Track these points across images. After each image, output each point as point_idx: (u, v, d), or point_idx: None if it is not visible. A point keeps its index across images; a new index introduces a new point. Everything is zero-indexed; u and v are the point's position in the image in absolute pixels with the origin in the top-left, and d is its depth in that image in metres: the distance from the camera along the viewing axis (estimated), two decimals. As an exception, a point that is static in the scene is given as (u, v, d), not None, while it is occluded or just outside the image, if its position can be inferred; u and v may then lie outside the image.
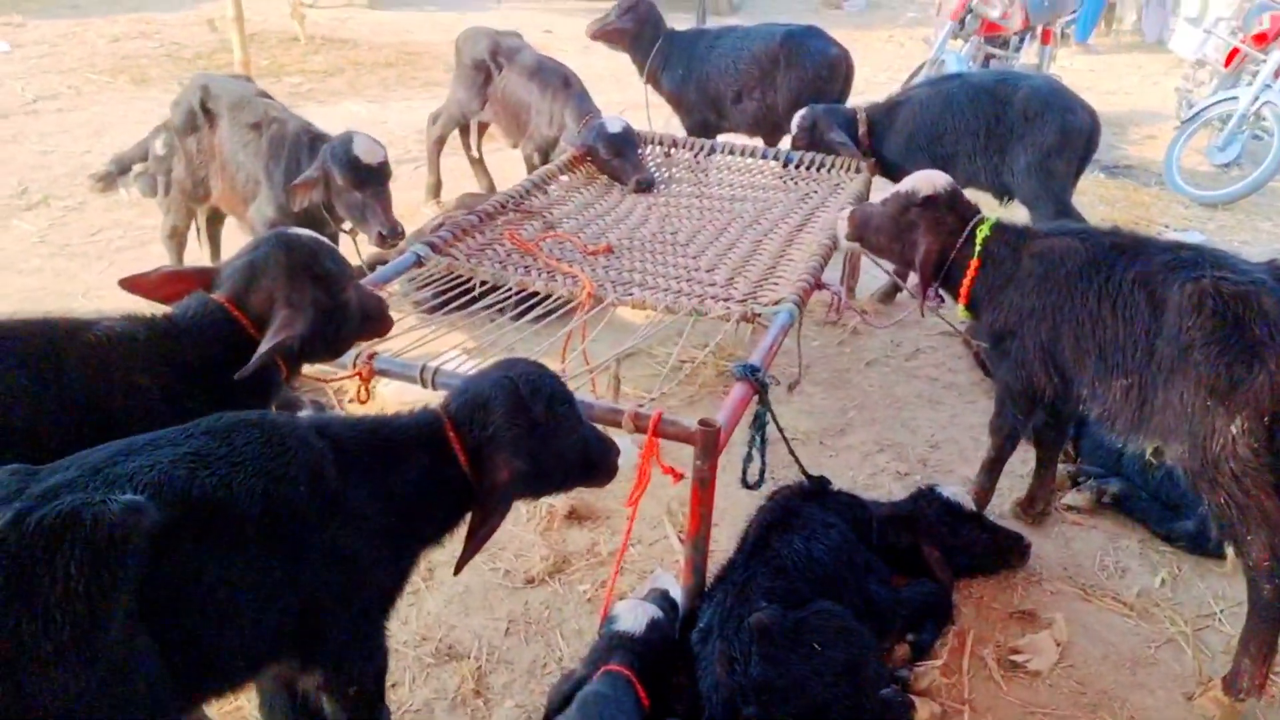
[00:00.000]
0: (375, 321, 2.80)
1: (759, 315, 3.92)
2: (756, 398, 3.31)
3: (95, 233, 6.56)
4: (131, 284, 2.65)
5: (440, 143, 7.05)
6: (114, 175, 7.29)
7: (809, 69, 6.29)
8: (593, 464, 2.56)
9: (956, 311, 3.96)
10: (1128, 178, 8.82)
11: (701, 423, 2.99)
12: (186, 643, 1.86)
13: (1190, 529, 3.93)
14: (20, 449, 2.18)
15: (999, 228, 3.75)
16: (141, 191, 7.06)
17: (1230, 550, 3.52)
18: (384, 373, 3.34)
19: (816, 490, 3.58)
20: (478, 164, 7.27)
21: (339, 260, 2.68)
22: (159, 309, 2.59)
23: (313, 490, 2.05)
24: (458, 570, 2.38)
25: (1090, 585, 3.77)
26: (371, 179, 4.16)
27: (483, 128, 7.21)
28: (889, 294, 6.04)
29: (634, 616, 3.06)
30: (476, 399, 2.34)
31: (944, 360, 5.51)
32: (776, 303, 3.96)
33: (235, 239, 5.82)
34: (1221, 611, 3.67)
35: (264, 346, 2.39)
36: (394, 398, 4.09)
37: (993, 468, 3.99)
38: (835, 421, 4.84)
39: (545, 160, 6.33)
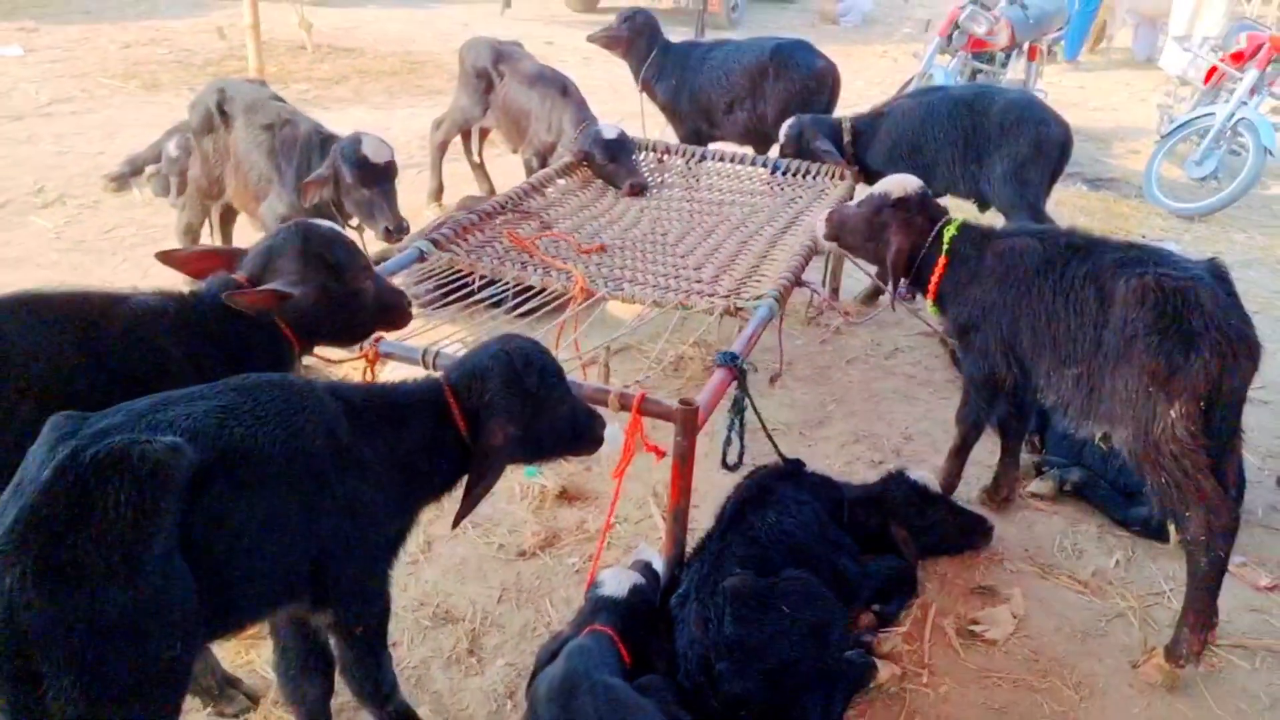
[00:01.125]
0: (394, 312, 3.03)
1: (741, 309, 4.17)
2: (736, 383, 3.56)
3: (109, 230, 6.81)
4: (167, 258, 2.93)
5: (443, 148, 7.31)
6: (127, 175, 7.61)
7: (797, 80, 6.56)
8: (579, 434, 2.81)
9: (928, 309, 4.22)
10: (1109, 190, 9.09)
11: (681, 402, 3.23)
12: (213, 578, 2.10)
13: (1144, 515, 4.17)
14: (63, 406, 2.43)
15: (965, 228, 4.01)
16: (154, 191, 7.37)
17: (1172, 528, 3.77)
18: (389, 356, 3.58)
19: (792, 471, 3.82)
20: (479, 168, 7.54)
21: (353, 251, 2.92)
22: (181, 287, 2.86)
23: (327, 444, 2.30)
24: (456, 524, 2.63)
25: (1048, 565, 4.02)
26: (379, 177, 4.42)
27: (484, 134, 7.48)
28: (871, 296, 6.30)
29: (617, 582, 3.30)
30: (475, 369, 2.60)
31: (921, 359, 5.77)
32: (758, 298, 4.21)
33: (246, 235, 6.09)
34: (1170, 590, 3.91)
35: (256, 289, 2.63)
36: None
37: (959, 455, 4.24)
38: (815, 414, 5.10)
39: (544, 165, 6.59)
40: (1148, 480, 3.39)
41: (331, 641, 2.62)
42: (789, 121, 6.12)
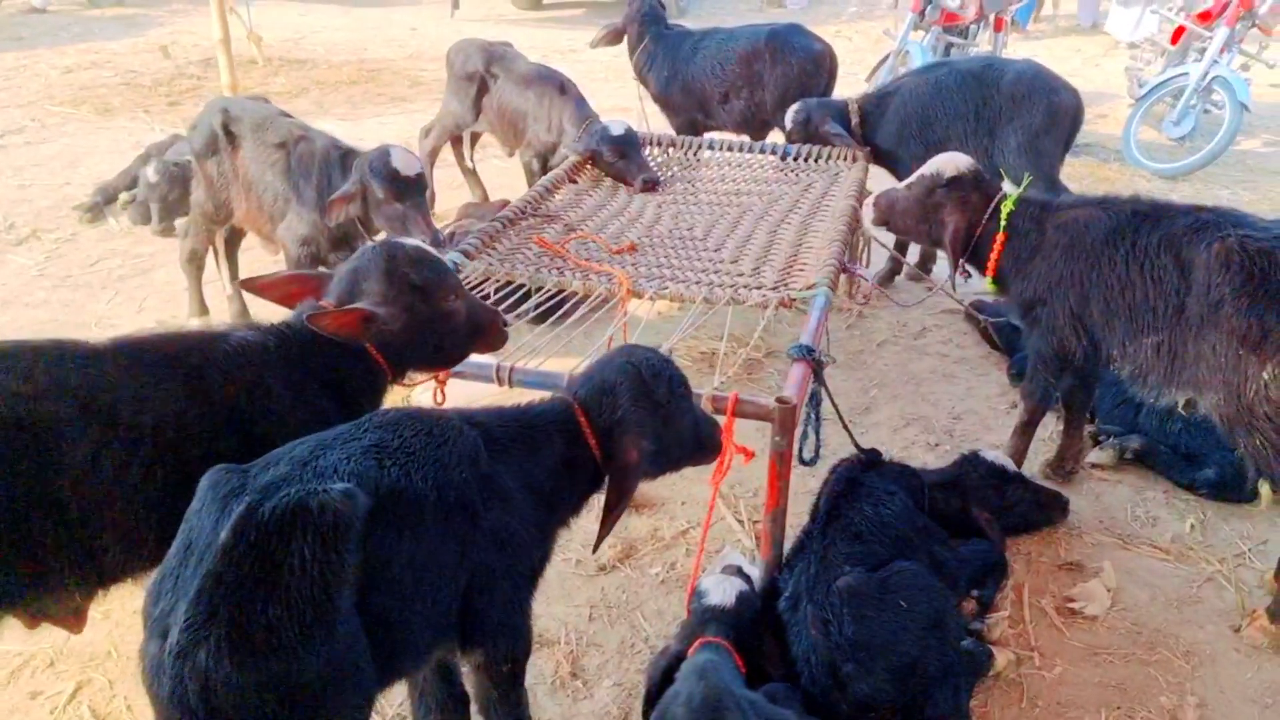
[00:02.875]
0: (489, 333, 2.88)
1: (795, 300, 4.10)
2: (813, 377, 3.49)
3: (94, 263, 6.53)
4: (250, 285, 2.77)
5: (434, 155, 7.12)
6: (100, 205, 7.32)
7: (795, 65, 6.49)
8: (702, 442, 2.71)
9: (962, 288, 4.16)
10: (1089, 155, 9.17)
11: (779, 400, 3.15)
12: (378, 628, 1.97)
13: (1211, 477, 4.19)
14: (173, 447, 2.29)
15: (1023, 202, 3.97)
16: (132, 220, 7.10)
17: (1264, 489, 3.78)
18: (459, 374, 3.44)
19: (872, 462, 3.76)
20: (471, 174, 7.37)
21: (441, 270, 2.77)
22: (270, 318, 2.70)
23: (472, 475, 2.18)
24: (596, 547, 2.51)
25: (1126, 535, 4.01)
26: (410, 190, 4.26)
27: (475, 138, 7.31)
28: (887, 278, 6.27)
29: (722, 591, 3.20)
30: (603, 385, 2.48)
31: (950, 337, 5.74)
32: (809, 287, 4.14)
33: (251, 261, 5.89)
34: (1250, 549, 3.92)
35: (339, 309, 2.50)
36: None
37: (1025, 430, 4.21)
38: (859, 400, 5.04)
39: (544, 166, 6.46)
40: (1240, 443, 3.38)
41: (471, 681, 2.48)
42: (795, 106, 6.05)
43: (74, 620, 2.47)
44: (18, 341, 2.25)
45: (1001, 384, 5.20)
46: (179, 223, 6.97)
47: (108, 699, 3.18)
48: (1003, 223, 3.95)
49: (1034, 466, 4.36)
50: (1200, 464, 4.25)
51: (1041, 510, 3.96)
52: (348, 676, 1.81)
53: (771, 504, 3.30)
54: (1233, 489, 4.16)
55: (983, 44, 10.26)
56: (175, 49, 12.92)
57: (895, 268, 6.25)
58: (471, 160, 7.39)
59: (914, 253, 6.29)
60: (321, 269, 4.59)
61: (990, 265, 4.01)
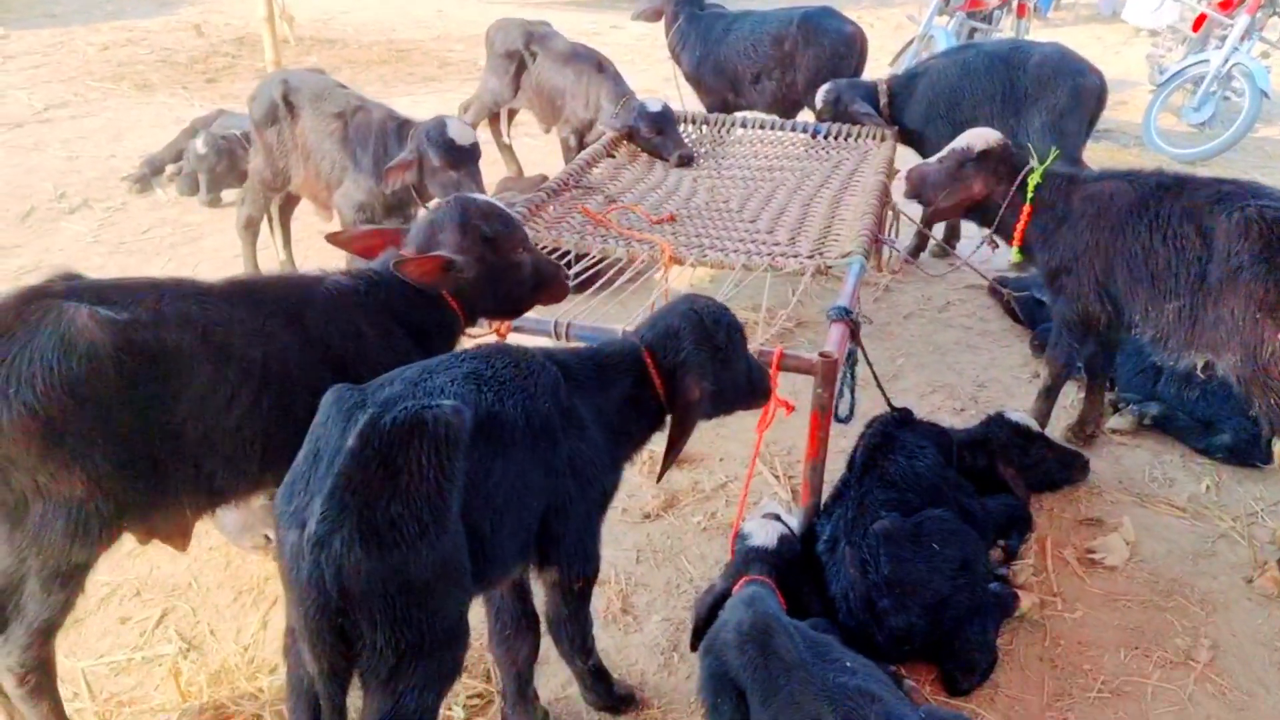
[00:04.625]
0: (553, 284, 3.10)
1: (830, 268, 4.30)
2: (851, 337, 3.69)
3: (145, 230, 6.77)
4: (335, 239, 2.99)
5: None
6: (148, 176, 7.55)
7: (827, 47, 6.67)
8: (754, 387, 2.92)
9: (995, 259, 4.35)
10: (1109, 140, 9.32)
11: (821, 354, 3.36)
12: (473, 536, 2.19)
13: (1227, 441, 4.38)
14: (277, 380, 2.52)
15: (1050, 175, 4.16)
16: (180, 191, 7.33)
17: (1278, 448, 3.97)
18: (519, 329, 3.66)
19: (905, 419, 3.96)
20: (507, 149, 7.57)
21: (510, 223, 2.99)
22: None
23: (555, 406, 2.40)
24: (660, 477, 2.73)
25: (1144, 494, 4.21)
26: (465, 159, 4.47)
27: (511, 115, 7.50)
28: (913, 252, 6.45)
29: (765, 532, 3.41)
30: (669, 329, 2.69)
31: (974, 310, 5.94)
32: (844, 255, 4.34)
33: (301, 229, 6.12)
34: (1263, 510, 4.12)
35: (422, 255, 2.72)
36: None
37: (1049, 395, 4.40)
38: (887, 368, 5.23)
39: (581, 142, 6.66)
40: (1256, 403, 3.57)
41: (544, 599, 2.70)
42: (825, 86, 6.24)
43: (181, 538, 2.70)
44: (142, 277, 2.48)
45: (1024, 355, 5.39)
46: (226, 193, 7.24)
47: (192, 624, 3.41)
48: (1029, 195, 4.14)
49: (1056, 432, 4.55)
50: (1216, 430, 4.44)
51: (1063, 469, 4.16)
52: (454, 573, 2.03)
53: (812, 454, 3.51)
54: (1247, 453, 4.36)
55: (1005, 29, 10.41)
56: (208, 27, 13.14)
57: (921, 243, 6.43)
58: (508, 136, 7.59)
59: (939, 229, 6.47)
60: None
61: (1017, 235, 4.20)
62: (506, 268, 2.96)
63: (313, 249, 6.51)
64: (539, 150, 8.50)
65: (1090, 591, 3.65)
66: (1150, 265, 3.79)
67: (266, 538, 3.66)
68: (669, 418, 2.75)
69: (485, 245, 2.89)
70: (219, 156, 7.07)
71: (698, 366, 2.67)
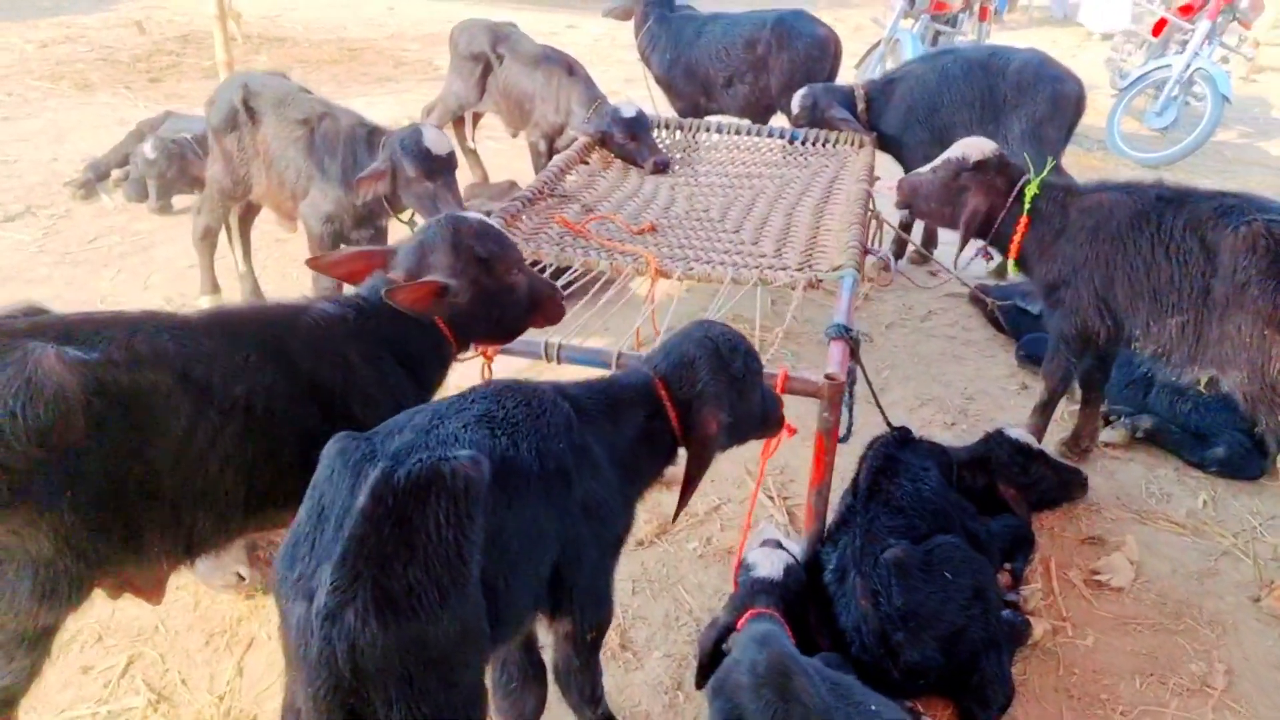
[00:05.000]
0: (548, 306, 2.92)
1: (821, 281, 4.17)
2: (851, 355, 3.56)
3: (92, 239, 6.44)
4: (319, 264, 2.78)
5: (436, 135, 7.08)
6: (92, 182, 7.21)
7: (801, 50, 6.55)
8: (768, 416, 2.77)
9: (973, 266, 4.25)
10: (1073, 144, 9.30)
11: (828, 376, 3.22)
12: (487, 593, 2.00)
13: (1221, 455, 4.33)
14: (262, 419, 2.31)
15: (1047, 186, 4.07)
16: (127, 197, 7.01)
17: (1281, 464, 3.93)
18: (507, 351, 3.47)
19: (905, 439, 3.84)
20: (472, 154, 7.35)
21: (505, 244, 2.80)
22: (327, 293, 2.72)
23: (568, 444, 2.22)
24: (676, 517, 2.56)
25: (1143, 510, 4.14)
26: (441, 169, 4.26)
27: (476, 118, 7.29)
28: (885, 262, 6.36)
29: (770, 563, 3.27)
30: (683, 358, 2.53)
31: (956, 320, 5.86)
32: (835, 268, 4.21)
33: (262, 239, 5.86)
34: (1260, 525, 4.07)
35: (414, 282, 2.53)
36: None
37: (1046, 409, 4.31)
38: (873, 382, 5.10)
39: (551, 147, 6.47)
40: (1262, 420, 3.51)
41: (554, 649, 2.53)
42: (801, 91, 6.11)
43: (155, 590, 2.48)
44: (111, 311, 2.25)
45: (1010, 365, 5.32)
46: (177, 199, 6.93)
47: (160, 673, 3.18)
48: (1027, 206, 4.05)
49: (1049, 447, 4.46)
50: (1209, 443, 4.39)
51: (1063, 487, 4.08)
52: (475, 640, 1.85)
53: (817, 479, 3.37)
54: (1241, 466, 4.32)
55: (968, 33, 10.40)
56: (150, 24, 12.70)
57: (900, 249, 6.34)
58: (473, 141, 7.37)
59: (916, 234, 6.38)
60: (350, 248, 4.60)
61: (1013, 248, 4.11)
62: (501, 290, 2.78)
63: (272, 259, 6.25)
64: (504, 154, 8.29)
65: (1099, 615, 3.56)
66: (1152, 279, 3.71)
67: (239, 575, 3.44)
68: (679, 451, 2.59)
69: (479, 267, 2.71)
70: (169, 161, 6.76)
71: (714, 398, 2.51)
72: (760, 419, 2.74)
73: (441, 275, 2.64)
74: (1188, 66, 8.69)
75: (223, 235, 5.37)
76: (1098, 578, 3.72)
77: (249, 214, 5.36)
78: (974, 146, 4.16)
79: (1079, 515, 4.09)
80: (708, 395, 2.51)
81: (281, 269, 6.17)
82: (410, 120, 8.57)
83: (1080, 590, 3.67)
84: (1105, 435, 4.58)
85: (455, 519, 1.78)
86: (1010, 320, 5.50)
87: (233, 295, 5.53)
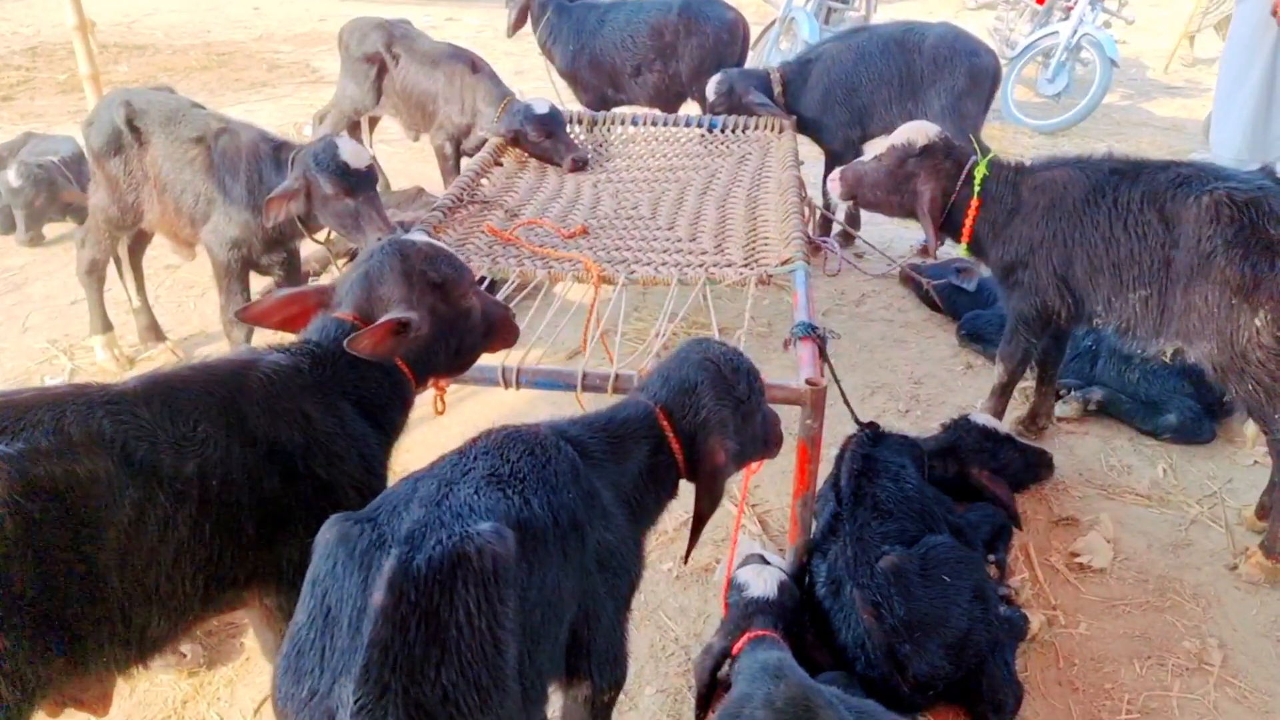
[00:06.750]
0: (503, 329, 2.67)
1: (773, 277, 4.01)
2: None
3: (-44, 280, 5.84)
4: (248, 315, 2.47)
5: (330, 143, 6.66)
6: (-53, 216, 6.54)
7: (710, 35, 6.38)
8: (768, 436, 2.58)
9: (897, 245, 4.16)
10: (970, 115, 9.43)
11: (809, 382, 3.06)
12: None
13: (1173, 422, 4.35)
14: (218, 495, 2.02)
15: (995, 166, 3.98)
16: (-7, 230, 6.38)
17: (1249, 429, 3.94)
18: (460, 380, 3.19)
19: (877, 436, 3.71)
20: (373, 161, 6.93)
21: (457, 266, 2.54)
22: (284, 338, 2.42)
23: (577, 493, 1.99)
24: (688, 556, 2.35)
25: (1107, 484, 4.11)
26: (362, 184, 3.92)
27: (373, 122, 6.90)
28: (816, 248, 6.26)
29: (764, 581, 3.08)
30: (684, 384, 2.31)
31: (891, 302, 5.79)
32: (784, 263, 4.05)
33: (154, 268, 5.39)
34: (1221, 489, 4.08)
35: (376, 326, 2.25)
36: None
37: (1004, 391, 4.24)
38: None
39: (458, 149, 6.15)
40: (1233, 389, 3.48)
41: (567, 713, 2.29)
42: (717, 78, 5.95)
43: (101, 702, 2.15)
44: (33, 391, 1.91)
45: (951, 346, 5.27)
46: (49, 228, 6.37)
47: (103, 775, 2.81)
48: (977, 188, 3.95)
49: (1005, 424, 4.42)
50: (1161, 410, 4.40)
51: (1030, 468, 4.02)
52: (516, 735, 1.61)
53: (801, 489, 3.21)
54: (1193, 432, 4.34)
55: (859, 9, 10.41)
56: (-10, 38, 11.78)
57: (824, 230, 6.24)
58: (371, 147, 6.97)
59: (840, 214, 6.29)
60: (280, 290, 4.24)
61: (966, 231, 4.02)
62: (458, 317, 2.51)
63: (164, 289, 5.78)
64: (398, 158, 7.91)
65: (1087, 600, 3.50)
66: (1112, 254, 3.65)
67: (180, 653, 3.09)
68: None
69: (435, 294, 2.44)
70: (36, 188, 6.19)
71: (720, 425, 2.31)
72: (763, 440, 2.54)
73: (397, 309, 2.36)
74: (1075, 32, 8.86)
75: (111, 267, 4.89)
76: (1078, 560, 3.66)
77: (140, 243, 4.90)
78: (918, 131, 4.04)
79: (1046, 496, 4.04)
80: (713, 423, 2.30)
81: (177, 299, 5.71)
82: (296, 128, 8.13)
83: (1064, 575, 3.61)
84: (1058, 410, 4.56)
85: (487, 605, 1.53)
86: (947, 299, 5.45)
87: (127, 333, 5.07)
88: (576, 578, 1.96)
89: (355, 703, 1.42)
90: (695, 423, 2.30)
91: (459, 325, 2.53)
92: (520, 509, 1.80)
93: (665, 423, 2.28)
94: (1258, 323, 3.33)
